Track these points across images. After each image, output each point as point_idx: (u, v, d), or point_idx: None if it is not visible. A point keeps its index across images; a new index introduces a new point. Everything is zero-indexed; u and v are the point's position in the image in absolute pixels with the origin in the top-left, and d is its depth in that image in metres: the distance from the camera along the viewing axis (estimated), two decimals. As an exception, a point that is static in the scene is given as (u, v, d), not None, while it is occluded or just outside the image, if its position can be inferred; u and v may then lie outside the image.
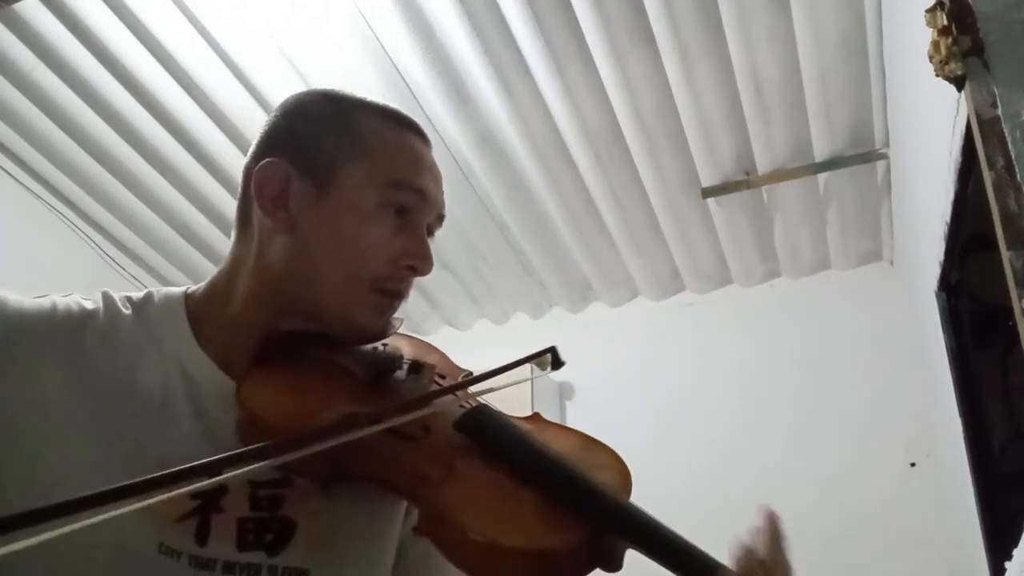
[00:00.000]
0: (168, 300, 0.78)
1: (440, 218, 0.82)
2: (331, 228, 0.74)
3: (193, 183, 2.92)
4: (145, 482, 0.46)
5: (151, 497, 0.47)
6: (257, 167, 0.76)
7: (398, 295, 0.78)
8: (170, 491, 0.48)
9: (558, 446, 0.72)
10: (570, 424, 3.32)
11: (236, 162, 2.86)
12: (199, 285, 0.80)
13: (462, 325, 3.66)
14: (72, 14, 2.37)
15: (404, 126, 0.80)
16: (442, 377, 0.80)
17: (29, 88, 2.61)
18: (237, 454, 0.53)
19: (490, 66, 2.39)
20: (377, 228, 0.74)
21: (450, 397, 0.74)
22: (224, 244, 3.26)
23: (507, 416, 0.76)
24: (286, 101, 0.82)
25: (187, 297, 0.78)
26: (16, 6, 2.31)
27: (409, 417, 0.65)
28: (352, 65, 2.38)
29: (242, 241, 0.78)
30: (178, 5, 2.31)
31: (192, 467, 0.49)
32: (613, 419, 3.17)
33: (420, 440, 0.68)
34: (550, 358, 0.77)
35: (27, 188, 2.95)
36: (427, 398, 0.71)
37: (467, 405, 0.75)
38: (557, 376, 3.33)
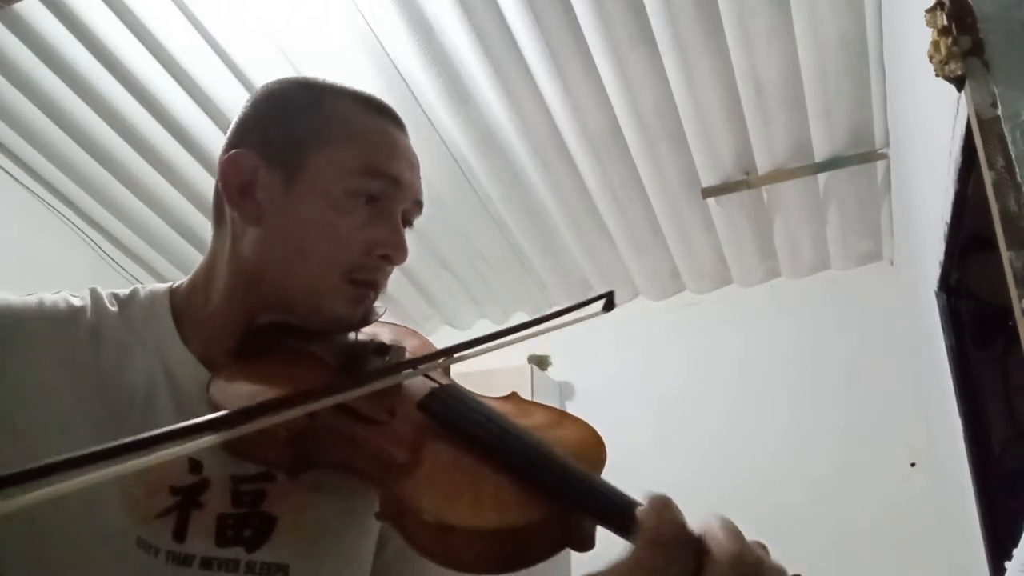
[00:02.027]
0: (153, 297, 0.77)
1: (418, 204, 0.79)
2: (300, 218, 0.72)
3: (192, 182, 2.92)
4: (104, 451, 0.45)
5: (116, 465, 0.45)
6: (223, 159, 0.75)
7: (373, 285, 0.75)
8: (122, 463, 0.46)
9: (530, 423, 0.70)
10: (570, 424, 3.32)
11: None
12: (183, 281, 0.79)
13: (462, 325, 3.66)
14: (72, 14, 2.37)
15: (376, 111, 0.77)
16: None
17: (29, 88, 2.61)
18: (187, 426, 0.49)
19: (490, 66, 2.39)
20: (347, 217, 0.72)
21: (421, 380, 0.73)
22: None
23: (475, 395, 0.74)
24: (256, 91, 0.80)
25: (172, 293, 0.78)
26: (16, 6, 2.31)
27: (363, 391, 0.63)
28: (351, 65, 2.38)
29: (218, 235, 0.77)
30: (178, 5, 2.31)
31: (138, 440, 0.46)
32: (613, 419, 3.16)
33: (384, 424, 0.67)
34: (603, 303, 0.74)
35: (27, 188, 2.96)
36: (383, 372, 0.69)
37: (436, 384, 0.73)
38: (557, 376, 3.34)
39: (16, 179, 2.92)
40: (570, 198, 2.90)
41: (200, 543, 0.66)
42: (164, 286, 0.79)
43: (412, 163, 0.78)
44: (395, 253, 0.74)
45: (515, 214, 2.98)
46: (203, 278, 0.77)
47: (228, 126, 0.78)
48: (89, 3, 2.34)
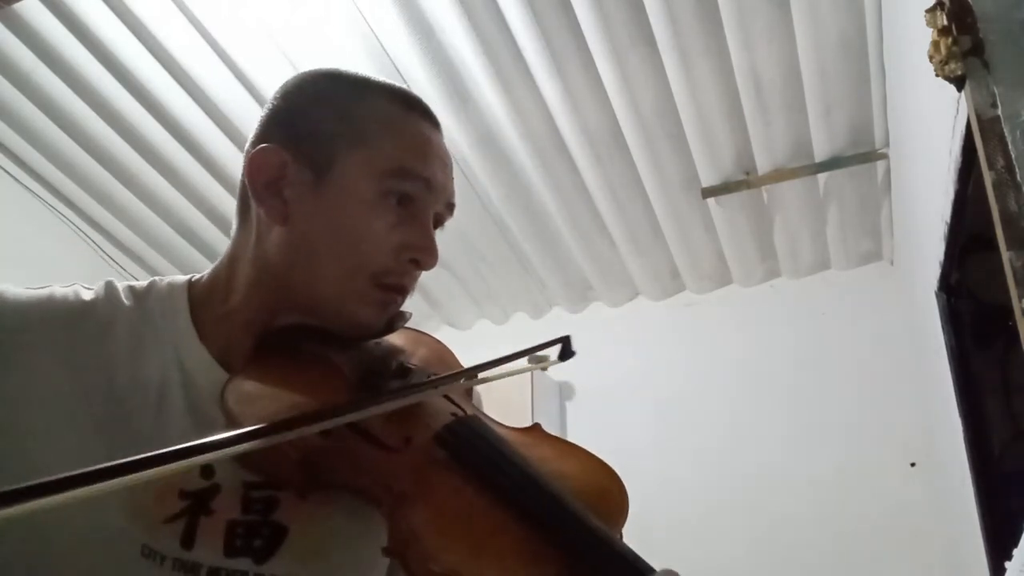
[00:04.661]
0: (171, 290, 0.74)
1: (450, 206, 0.77)
2: (328, 219, 0.70)
3: (193, 183, 2.92)
4: (107, 469, 0.43)
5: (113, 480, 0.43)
6: (251, 153, 0.72)
7: (401, 290, 0.73)
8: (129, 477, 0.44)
9: (552, 464, 0.66)
10: (570, 424, 3.32)
11: (236, 161, 2.86)
12: (203, 274, 0.77)
13: (462, 325, 3.66)
14: (72, 14, 2.37)
15: (411, 108, 0.75)
16: None
17: (29, 88, 2.61)
18: (195, 445, 0.48)
19: (490, 66, 2.39)
20: (378, 219, 0.70)
21: (443, 404, 0.71)
22: (224, 244, 3.28)
23: (498, 429, 0.71)
24: (287, 82, 0.77)
25: (191, 286, 0.75)
26: (16, 6, 2.31)
27: (375, 411, 0.61)
28: (352, 65, 2.37)
29: (242, 231, 0.75)
30: (178, 5, 2.31)
31: (147, 457, 0.45)
32: (613, 419, 3.18)
33: (398, 452, 0.64)
34: (559, 349, 0.72)
35: (27, 188, 2.96)
36: (396, 393, 0.65)
37: (459, 413, 0.70)
38: (557, 376, 3.34)
39: (16, 179, 2.92)
40: (570, 198, 2.90)
41: (208, 552, 0.64)
42: (183, 278, 0.77)
43: (445, 163, 0.75)
44: (425, 257, 0.72)
45: (515, 214, 2.98)
46: (224, 274, 0.75)
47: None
48: (89, 3, 2.34)
